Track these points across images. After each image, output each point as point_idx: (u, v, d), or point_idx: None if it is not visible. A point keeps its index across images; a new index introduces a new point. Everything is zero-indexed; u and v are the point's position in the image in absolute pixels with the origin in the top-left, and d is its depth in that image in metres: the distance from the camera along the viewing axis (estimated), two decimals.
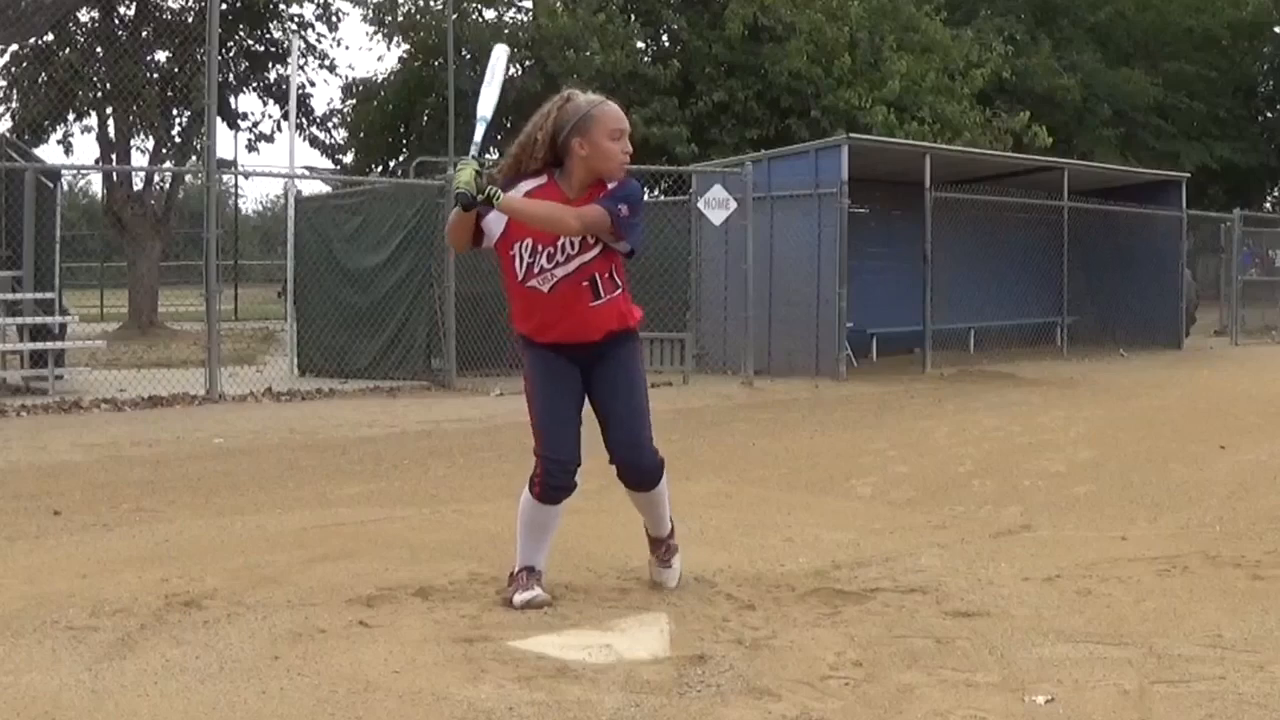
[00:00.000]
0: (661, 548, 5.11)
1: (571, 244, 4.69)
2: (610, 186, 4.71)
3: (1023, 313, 21.09)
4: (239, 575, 5.24)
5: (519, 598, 4.76)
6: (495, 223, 4.73)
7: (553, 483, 4.76)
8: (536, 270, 4.72)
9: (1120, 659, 4.20)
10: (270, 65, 29.48)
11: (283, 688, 3.88)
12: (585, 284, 4.72)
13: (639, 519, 5.10)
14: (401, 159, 31.11)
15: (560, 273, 4.71)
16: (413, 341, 15.36)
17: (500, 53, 5.00)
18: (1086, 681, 3.97)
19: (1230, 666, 4.12)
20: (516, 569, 4.88)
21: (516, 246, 4.72)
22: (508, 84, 25.19)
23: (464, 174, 4.50)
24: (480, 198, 4.50)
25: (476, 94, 4.93)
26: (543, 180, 4.74)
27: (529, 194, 4.70)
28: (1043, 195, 20.80)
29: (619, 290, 4.81)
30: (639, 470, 4.90)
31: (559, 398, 4.81)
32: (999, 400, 13.62)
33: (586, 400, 4.88)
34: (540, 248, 4.69)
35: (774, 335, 16.61)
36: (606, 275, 4.76)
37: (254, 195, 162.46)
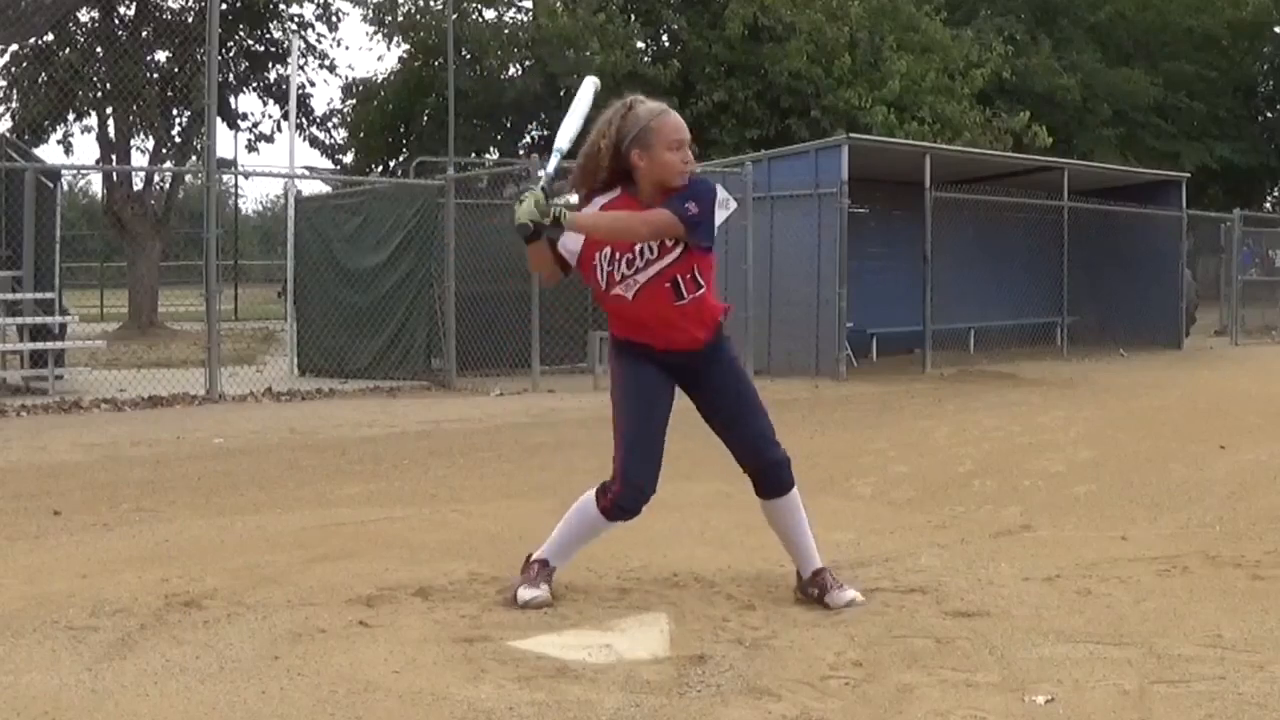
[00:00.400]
0: (826, 574, 4.94)
1: (650, 249, 4.65)
2: (678, 188, 4.66)
3: (1023, 313, 21.08)
4: (239, 575, 5.23)
5: (524, 594, 4.76)
6: (573, 243, 4.70)
7: (626, 506, 4.72)
8: (618, 278, 4.69)
9: (1120, 659, 4.19)
10: (270, 65, 29.51)
11: (283, 688, 3.88)
12: (668, 285, 4.69)
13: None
14: (401, 159, 31.13)
15: (641, 278, 4.68)
16: (413, 341, 15.35)
17: (588, 86, 4.94)
18: (1086, 681, 3.96)
19: (1230, 666, 4.11)
20: (535, 556, 4.87)
21: (597, 257, 4.70)
22: (505, 83, 25.09)
23: (524, 205, 4.44)
24: (548, 221, 4.46)
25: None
26: (616, 193, 4.72)
27: (603, 207, 4.70)
28: (1042, 195, 20.79)
29: (702, 290, 4.74)
30: (778, 465, 4.86)
31: (655, 416, 4.76)
32: (999, 400, 13.61)
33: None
34: (619, 255, 4.67)
35: (774, 335, 16.61)
36: (689, 277, 4.70)
37: (254, 195, 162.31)
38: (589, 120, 4.74)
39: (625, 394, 4.79)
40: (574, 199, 4.68)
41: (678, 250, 4.67)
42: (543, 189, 4.52)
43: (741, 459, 4.87)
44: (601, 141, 4.66)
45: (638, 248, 4.66)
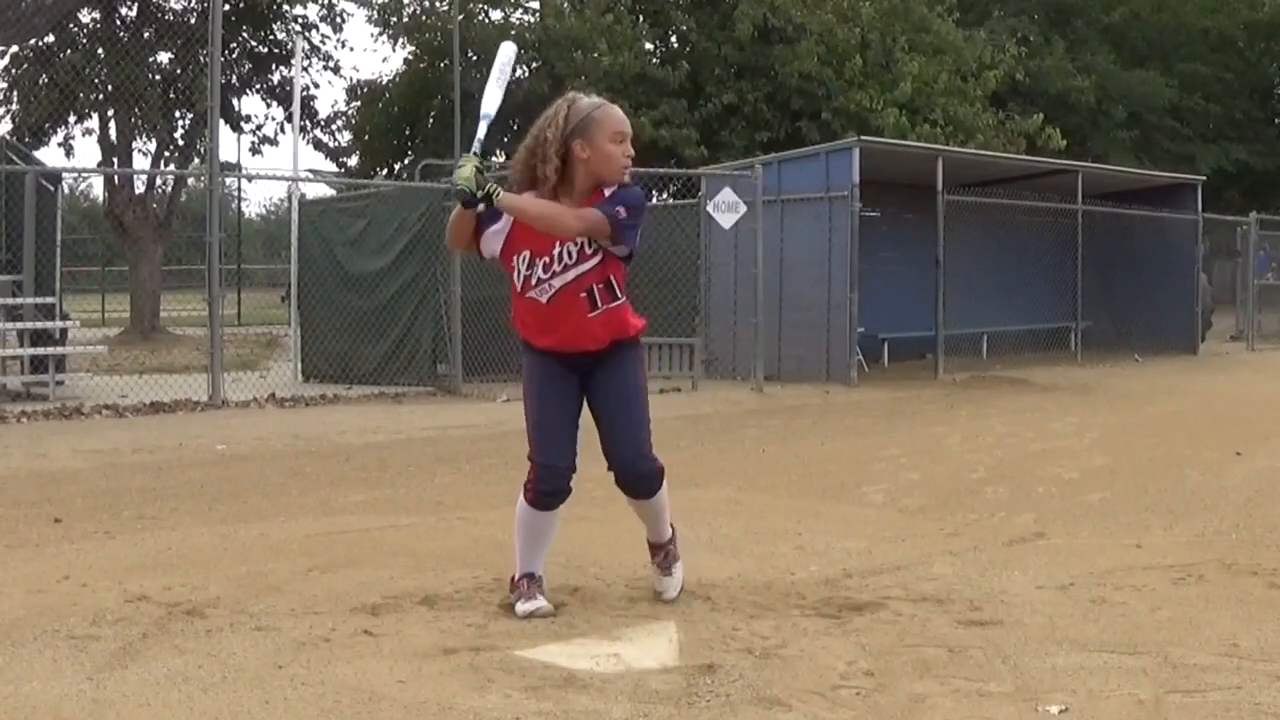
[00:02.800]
0: (661, 553, 5.07)
1: (568, 254, 4.67)
2: (609, 191, 4.68)
3: (1036, 318, 21.03)
4: (242, 584, 5.21)
5: (523, 607, 4.74)
6: (494, 238, 4.73)
7: (545, 488, 4.75)
8: (534, 281, 4.71)
9: (1135, 668, 4.16)
10: (274, 67, 29.47)
11: (286, 697, 3.85)
12: (583, 295, 4.70)
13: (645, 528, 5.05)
14: (406, 162, 31.09)
15: (558, 283, 4.69)
16: (418, 346, 15.32)
17: (507, 51, 5.00)
18: (1101, 691, 3.93)
19: (1246, 676, 4.08)
20: (517, 575, 4.86)
21: (515, 259, 4.73)
22: (514, 85, 25.04)
23: (465, 170, 4.50)
24: (480, 194, 4.49)
25: (481, 91, 4.90)
26: (547, 189, 4.70)
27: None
28: (1056, 198, 20.73)
29: (618, 301, 4.77)
30: (637, 478, 4.87)
31: (554, 403, 4.79)
32: (1012, 406, 13.57)
33: (585, 408, 4.86)
34: (536, 259, 4.69)
35: (784, 340, 16.55)
36: (603, 286, 4.72)
37: (257, 198, 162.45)
38: (511, 92, 4.75)
39: (531, 390, 4.83)
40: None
41: (596, 258, 4.69)
42: (474, 154, 4.57)
43: (610, 461, 4.87)
44: (548, 131, 4.66)
45: (555, 251, 4.67)
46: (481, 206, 4.57)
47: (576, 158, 4.65)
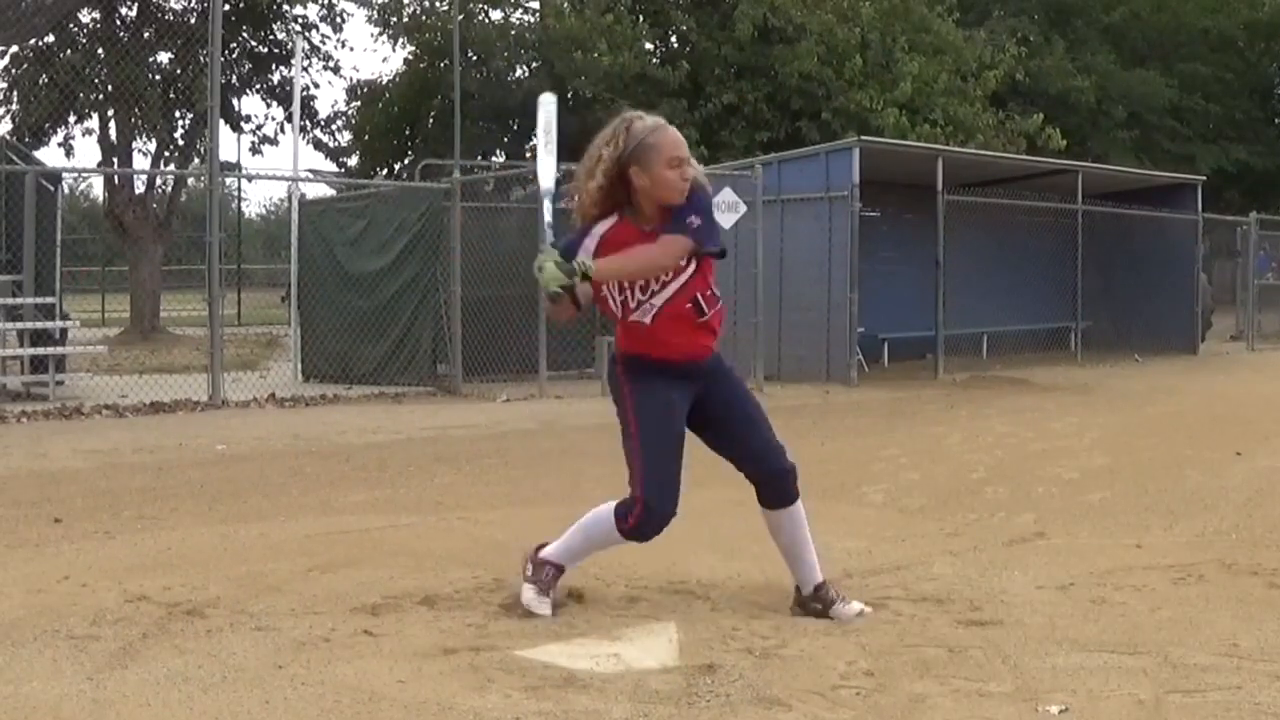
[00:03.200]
0: (828, 588, 4.89)
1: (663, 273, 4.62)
2: (676, 206, 4.60)
3: (1036, 318, 21.02)
4: (242, 584, 5.21)
5: (531, 598, 4.75)
6: (582, 294, 4.63)
7: (648, 532, 4.66)
8: (634, 306, 4.66)
9: (1135, 668, 4.16)
10: (274, 67, 29.41)
11: (286, 697, 3.85)
12: (689, 305, 4.66)
13: None
14: (407, 162, 31.07)
15: (658, 301, 4.64)
16: (418, 346, 15.31)
17: (548, 105, 4.90)
18: (1101, 691, 3.93)
19: (1246, 676, 4.08)
20: (551, 557, 4.82)
21: (606, 289, 4.66)
22: (514, 85, 24.97)
23: (547, 272, 4.38)
24: (576, 281, 4.42)
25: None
26: (613, 220, 4.65)
27: (604, 237, 4.61)
28: (1056, 198, 20.72)
29: (720, 303, 4.75)
30: (785, 476, 4.80)
31: (672, 442, 4.68)
32: (1012, 406, 13.56)
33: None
34: (628, 285, 4.63)
35: (784, 340, 16.55)
36: (708, 293, 4.69)
37: (257, 198, 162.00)
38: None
39: (643, 419, 4.67)
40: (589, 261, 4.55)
41: (692, 267, 4.63)
42: (554, 246, 4.48)
43: (753, 467, 4.80)
44: (599, 167, 4.57)
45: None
46: (579, 282, 4.49)
47: (634, 184, 4.57)
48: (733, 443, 4.80)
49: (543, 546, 4.88)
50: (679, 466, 4.68)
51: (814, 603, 4.84)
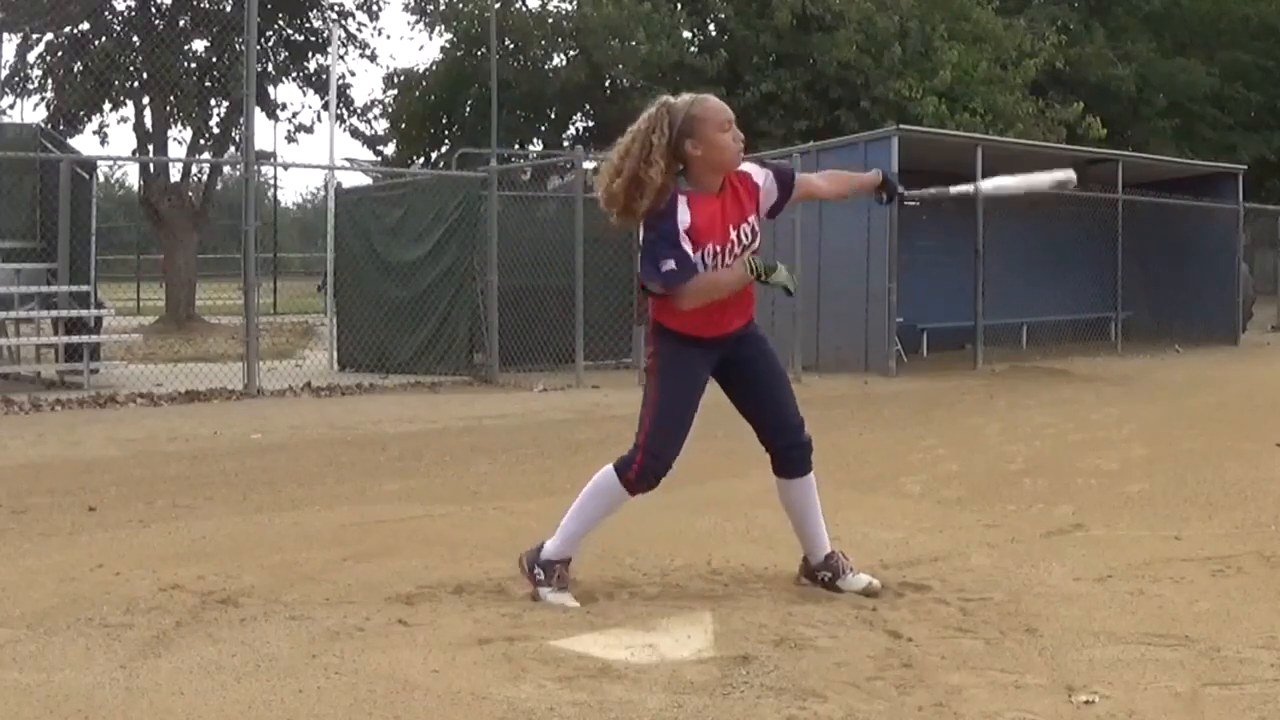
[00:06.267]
0: (833, 559, 5.05)
1: (746, 234, 4.77)
2: (757, 174, 4.85)
3: (1076, 308, 20.89)
4: (276, 573, 5.21)
5: (556, 598, 4.74)
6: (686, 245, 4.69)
7: (650, 477, 4.75)
8: (718, 267, 4.73)
9: (1172, 660, 4.12)
10: (310, 55, 29.43)
11: (320, 687, 3.84)
12: None
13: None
14: (444, 150, 31.03)
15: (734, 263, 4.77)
16: (454, 336, 15.34)
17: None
18: (1138, 683, 3.89)
19: None
20: (555, 555, 4.83)
21: (698, 256, 4.68)
22: (550, 73, 24.81)
23: (781, 275, 4.75)
24: (793, 289, 4.79)
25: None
26: (682, 198, 4.67)
27: (692, 214, 4.64)
28: (1097, 188, 20.56)
29: None
30: (802, 448, 4.94)
31: (689, 407, 4.79)
32: (1051, 397, 13.47)
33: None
34: (721, 249, 4.71)
35: (822, 331, 16.50)
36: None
37: (293, 187, 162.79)
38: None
39: (667, 378, 4.78)
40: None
41: (761, 234, 4.83)
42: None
43: (773, 436, 4.93)
44: (652, 137, 4.60)
45: (733, 235, 4.72)
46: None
47: (690, 157, 4.64)
48: (756, 407, 4.93)
49: (538, 550, 4.88)
50: (688, 428, 4.78)
51: (823, 571, 5.01)
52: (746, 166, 4.83)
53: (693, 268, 4.61)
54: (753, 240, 4.77)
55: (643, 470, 4.72)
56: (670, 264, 4.57)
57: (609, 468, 4.80)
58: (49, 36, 25.52)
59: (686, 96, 4.76)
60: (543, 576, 4.81)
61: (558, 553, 4.83)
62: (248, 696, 3.75)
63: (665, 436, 4.73)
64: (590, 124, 29.77)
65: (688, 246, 4.61)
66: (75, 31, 25.21)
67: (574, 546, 4.85)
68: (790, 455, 4.93)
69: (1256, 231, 27.80)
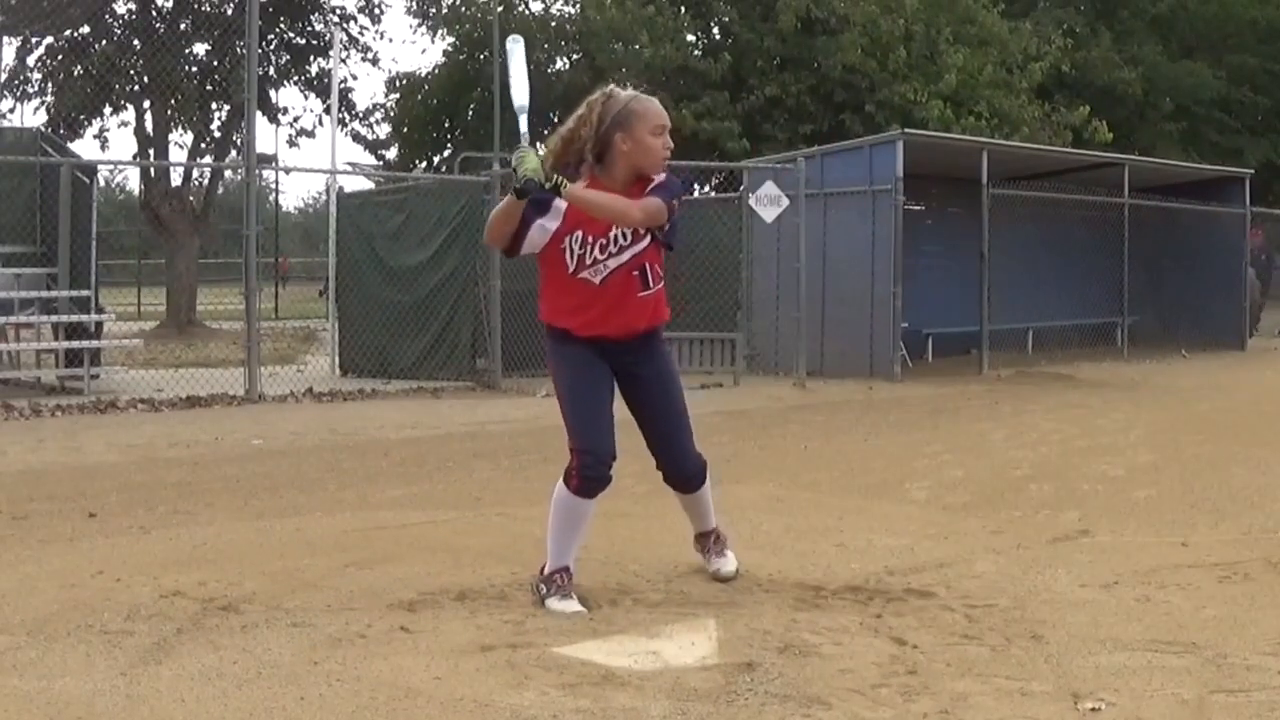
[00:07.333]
0: (710, 538, 5.22)
1: (624, 235, 4.73)
2: (658, 179, 4.73)
3: (1082, 313, 20.87)
4: (278, 579, 5.19)
5: (560, 605, 4.72)
6: (541, 232, 4.72)
7: (590, 475, 4.75)
8: (589, 262, 4.74)
9: (1179, 667, 4.10)
10: (312, 58, 29.39)
11: (322, 694, 3.82)
12: (636, 274, 4.78)
13: (686, 526, 5.12)
14: (446, 154, 31.08)
15: (613, 264, 4.75)
16: (457, 341, 15.32)
17: (515, 48, 4.96)
18: (1144, 690, 3.88)
19: None
20: (550, 568, 4.85)
21: (567, 240, 4.73)
22: (554, 78, 25.12)
23: (530, 161, 4.45)
24: (548, 185, 4.47)
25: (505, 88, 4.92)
26: (585, 180, 4.72)
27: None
28: (1103, 192, 20.57)
29: (662, 283, 4.87)
30: (687, 476, 5.02)
31: (593, 391, 4.82)
32: (1057, 402, 13.46)
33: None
34: (592, 239, 4.72)
35: (827, 335, 16.49)
36: (655, 268, 4.82)
37: (295, 191, 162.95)
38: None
39: (567, 379, 4.85)
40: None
41: (646, 239, 4.76)
42: (532, 145, 4.56)
43: (656, 459, 5.02)
44: (583, 129, 4.71)
45: (613, 233, 4.72)
46: (550, 197, 4.57)
47: (617, 149, 4.68)
48: (645, 429, 5.00)
49: (540, 570, 4.93)
50: (608, 412, 4.80)
51: (697, 545, 5.27)
52: (659, 176, 4.77)
53: (527, 223, 4.65)
54: (632, 243, 4.74)
55: (581, 470, 4.74)
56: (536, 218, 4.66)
57: (557, 487, 4.84)
58: (49, 40, 25.54)
59: (631, 91, 4.80)
60: (545, 590, 4.82)
61: (552, 567, 4.86)
62: (249, 704, 3.73)
63: (585, 430, 4.75)
64: None
65: (556, 222, 4.68)
66: (75, 35, 25.24)
67: (565, 558, 4.85)
68: (669, 481, 5.08)
69: (1263, 236, 27.75)
